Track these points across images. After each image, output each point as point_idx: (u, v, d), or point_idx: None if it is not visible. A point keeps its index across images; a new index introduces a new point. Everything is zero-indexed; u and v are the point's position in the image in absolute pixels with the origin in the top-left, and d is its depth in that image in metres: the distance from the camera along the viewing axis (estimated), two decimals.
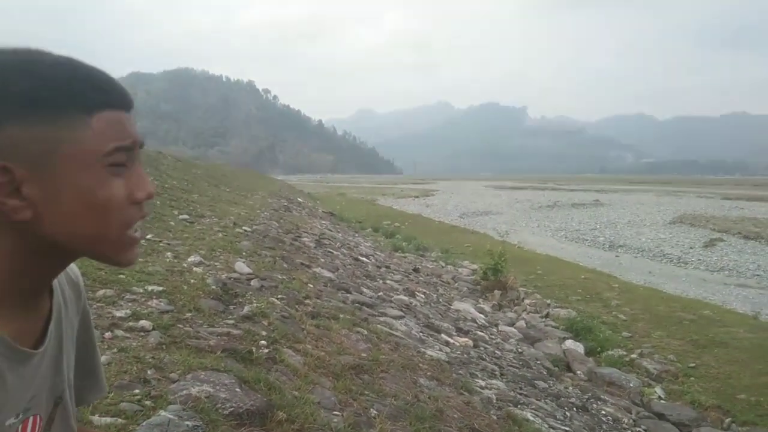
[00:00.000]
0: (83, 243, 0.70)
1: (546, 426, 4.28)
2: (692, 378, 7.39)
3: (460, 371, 4.93)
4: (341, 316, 4.90)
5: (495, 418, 3.91)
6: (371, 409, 3.10)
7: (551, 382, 6.23)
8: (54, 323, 0.77)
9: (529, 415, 4.33)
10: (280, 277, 5.64)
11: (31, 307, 0.73)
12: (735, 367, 7.66)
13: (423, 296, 8.99)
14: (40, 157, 0.64)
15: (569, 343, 8.42)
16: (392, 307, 6.70)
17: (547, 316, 10.33)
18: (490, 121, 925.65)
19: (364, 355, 4.01)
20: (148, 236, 5.80)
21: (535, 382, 5.93)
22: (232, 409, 2.40)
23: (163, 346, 2.89)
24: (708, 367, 7.73)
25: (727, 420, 6.22)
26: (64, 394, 0.79)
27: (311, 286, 5.90)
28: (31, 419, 0.73)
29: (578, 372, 7.40)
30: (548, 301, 11.22)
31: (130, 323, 3.06)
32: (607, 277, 14.83)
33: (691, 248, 22.98)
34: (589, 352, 8.30)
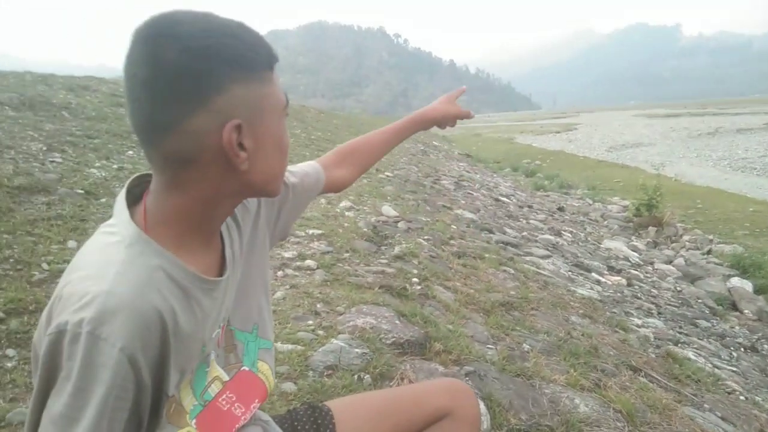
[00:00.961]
0: (269, 181, 0.82)
1: (710, 365, 4.07)
2: None
3: (614, 310, 4.81)
4: (486, 255, 4.96)
5: (653, 356, 3.80)
6: (524, 344, 3.17)
7: (714, 322, 5.85)
8: (228, 250, 0.90)
9: (690, 354, 4.14)
10: (424, 219, 5.80)
11: (211, 242, 0.86)
12: None
13: (570, 235, 8.74)
14: (254, 111, 0.75)
15: (735, 281, 7.76)
16: (538, 247, 6.62)
17: (709, 252, 9.55)
18: (637, 43, 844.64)
19: (512, 292, 4.06)
20: None
21: (697, 321, 5.61)
22: (393, 339, 2.60)
23: (328, 283, 3.17)
24: None
25: None
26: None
27: (454, 227, 6.00)
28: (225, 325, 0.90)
29: (746, 311, 6.83)
30: (710, 237, 10.34)
31: (298, 263, 3.38)
32: None
33: None
34: (759, 291, 7.59)
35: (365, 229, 4.48)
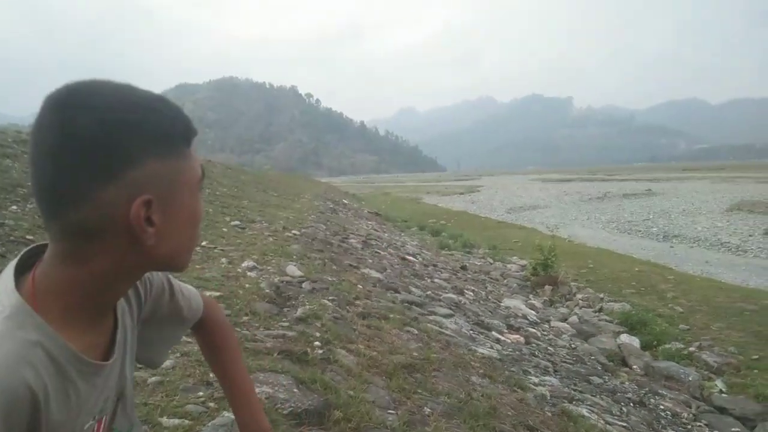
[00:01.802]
0: (176, 256, 0.78)
1: (602, 422, 4.23)
2: (756, 370, 7.12)
3: (512, 368, 4.92)
4: (391, 315, 4.96)
5: (549, 414, 3.90)
6: (425, 408, 3.15)
7: (606, 378, 6.13)
8: (120, 333, 0.84)
9: (584, 411, 4.29)
10: (330, 279, 5.75)
11: (101, 321, 0.80)
12: None
13: (472, 294, 8.97)
14: (167, 186, 0.73)
15: (624, 338, 8.25)
16: (441, 306, 6.73)
17: (600, 310, 10.13)
18: (534, 113, 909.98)
19: (415, 354, 4.06)
20: (203, 243, 6.01)
21: (590, 377, 5.85)
22: (291, 408, 2.49)
23: None
24: None
25: None
26: (125, 390, 0.88)
27: (360, 286, 5.99)
28: (104, 419, 0.82)
29: (634, 366, 7.25)
30: (601, 295, 11.00)
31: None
32: (661, 269, 14.40)
33: (750, 236, 22.02)
34: (645, 346, 8.11)
35: (267, 290, 4.36)
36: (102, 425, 0.81)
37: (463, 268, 12.50)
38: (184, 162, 0.75)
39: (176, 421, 2.21)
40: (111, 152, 0.67)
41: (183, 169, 0.75)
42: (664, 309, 10.05)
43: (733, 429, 5.52)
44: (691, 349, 7.97)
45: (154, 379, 2.54)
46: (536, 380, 4.84)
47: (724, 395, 6.44)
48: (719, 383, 6.75)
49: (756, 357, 7.52)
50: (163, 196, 0.72)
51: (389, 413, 2.92)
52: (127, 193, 0.68)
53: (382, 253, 10.15)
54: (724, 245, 20.38)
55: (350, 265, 7.28)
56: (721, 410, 6.01)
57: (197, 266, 4.86)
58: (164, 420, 2.19)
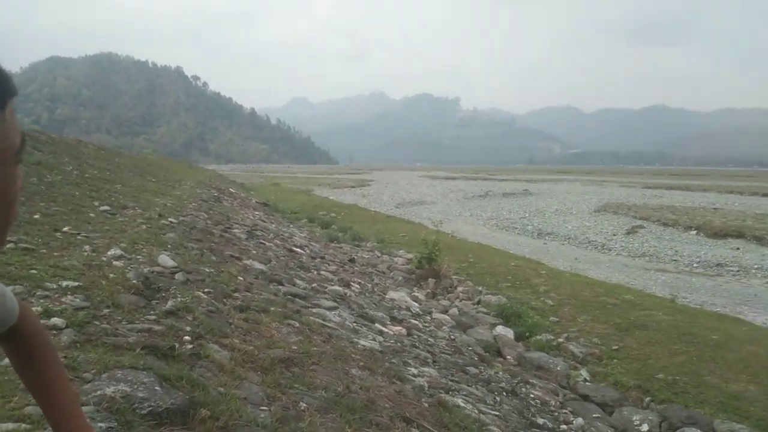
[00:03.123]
0: None
1: (476, 411, 4.35)
2: (615, 360, 7.73)
3: (393, 360, 4.94)
4: (272, 308, 4.79)
5: (426, 405, 3.94)
6: (301, 403, 3.04)
7: (482, 368, 6.36)
8: None
9: (459, 401, 4.39)
10: (207, 270, 5.45)
11: None
12: (654, 348, 8.09)
13: (358, 286, 8.97)
14: None
15: (500, 329, 8.64)
16: (326, 299, 6.64)
17: (478, 303, 10.55)
18: (424, 111, 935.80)
19: (294, 347, 3.93)
20: (65, 228, 5.46)
21: (467, 368, 6.03)
22: (150, 408, 2.28)
23: (77, 345, 2.71)
24: (630, 349, 8.12)
25: (647, 399, 6.56)
26: None
27: (241, 278, 5.74)
28: None
29: (508, 357, 7.61)
30: (480, 288, 11.46)
31: (42, 321, 2.85)
32: (535, 264, 15.30)
33: (614, 235, 24.10)
34: (518, 338, 8.54)
35: (134, 281, 4.02)
36: None
37: (352, 260, 12.51)
38: None
39: (11, 425, 1.93)
40: None
41: None
42: (536, 302, 10.66)
43: (594, 415, 5.95)
44: (560, 340, 8.51)
45: None
46: (415, 371, 4.90)
47: (587, 383, 6.93)
48: (583, 372, 7.26)
49: (616, 347, 8.18)
50: None
51: (262, 410, 2.78)
52: None
53: (267, 244, 9.87)
54: (591, 243, 22.12)
55: (231, 256, 6.98)
56: (585, 398, 6.46)
57: (55, 253, 4.39)
58: None
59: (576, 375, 7.14)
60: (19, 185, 0.69)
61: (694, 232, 24.32)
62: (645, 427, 5.78)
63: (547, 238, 23.79)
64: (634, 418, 5.92)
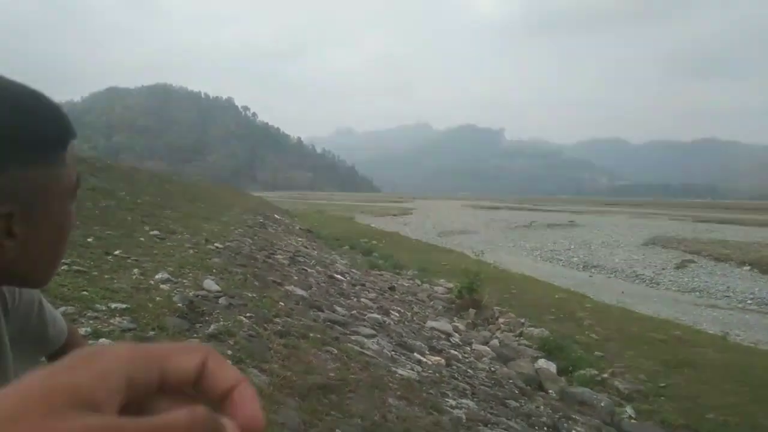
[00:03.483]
0: (37, 270, 0.70)
1: None
2: (662, 398, 7.44)
3: (430, 390, 4.89)
4: (311, 334, 4.84)
5: None
6: (337, 430, 3.05)
7: (523, 401, 6.22)
8: None
9: None
10: (250, 295, 5.56)
11: None
12: (704, 386, 7.75)
13: (397, 314, 8.94)
14: (33, 196, 0.63)
15: (542, 362, 8.43)
16: (365, 326, 6.65)
17: (520, 335, 10.34)
18: (468, 142, 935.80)
19: (332, 374, 3.96)
20: (116, 252, 5.69)
21: (507, 401, 5.91)
22: None
23: None
24: (678, 387, 7.80)
25: None
26: None
27: (282, 304, 5.83)
28: None
29: (550, 391, 7.41)
30: (522, 320, 11.25)
31: (90, 341, 2.97)
32: (580, 297, 14.94)
33: (663, 269, 23.33)
34: (561, 372, 8.32)
35: (180, 305, 4.15)
36: None
37: (392, 288, 12.50)
38: (56, 169, 0.66)
39: None
40: None
41: (54, 176, 0.66)
42: (581, 336, 10.39)
43: None
44: (605, 375, 8.24)
45: None
46: (453, 403, 4.83)
47: (632, 421, 6.67)
48: (629, 409, 7.00)
49: (663, 385, 7.87)
50: (28, 207, 0.63)
51: None
52: None
53: (309, 270, 9.98)
54: (639, 277, 21.47)
55: (274, 282, 7.10)
56: None
57: (106, 276, 4.58)
58: None
59: (621, 412, 6.89)
60: (72, 221, 0.75)
61: (748, 267, 23.31)
62: None
63: (592, 270, 23.23)
64: None
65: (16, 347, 0.86)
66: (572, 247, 31.34)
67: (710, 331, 11.93)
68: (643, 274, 21.90)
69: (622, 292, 17.69)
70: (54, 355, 1.02)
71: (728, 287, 19.11)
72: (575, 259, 26.35)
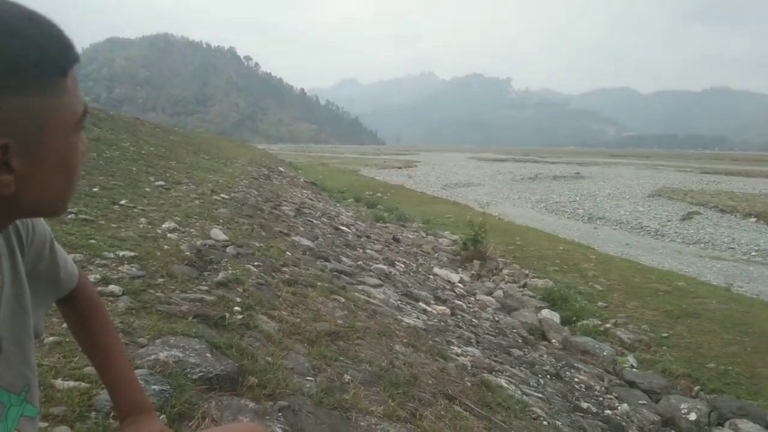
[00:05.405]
0: (46, 204, 0.67)
1: (519, 392, 4.34)
2: (664, 347, 7.54)
3: (436, 338, 4.96)
4: (318, 284, 4.87)
5: (469, 384, 3.95)
6: (345, 375, 3.10)
7: (526, 350, 6.32)
8: None
9: (503, 382, 4.38)
10: (257, 244, 5.58)
11: None
12: (706, 336, 7.84)
13: (402, 266, 9.00)
14: (31, 127, 0.60)
15: (545, 313, 8.53)
16: (371, 276, 6.70)
17: (524, 286, 10.43)
18: (474, 92, 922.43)
19: (340, 322, 4.00)
20: (122, 201, 5.69)
21: (511, 349, 6.00)
22: (201, 374, 2.37)
23: (133, 311, 2.84)
24: (680, 337, 7.89)
25: (696, 388, 6.38)
26: (2, 343, 0.75)
27: (289, 254, 5.85)
28: None
29: (553, 341, 7.52)
30: (526, 272, 11.33)
31: (99, 288, 2.99)
32: (584, 249, 15.00)
33: (668, 221, 23.32)
34: (564, 322, 8.43)
35: (188, 253, 4.16)
36: None
37: (396, 240, 12.55)
38: (57, 98, 0.62)
39: (72, 383, 2.05)
40: None
41: (54, 106, 0.62)
42: (584, 287, 10.46)
43: (640, 401, 5.84)
44: (608, 325, 8.34)
45: (51, 339, 2.35)
46: (459, 350, 4.90)
47: (634, 370, 6.79)
48: (630, 359, 7.11)
49: (665, 335, 7.96)
50: (26, 138, 0.59)
51: (308, 380, 2.85)
52: None
53: (315, 222, 10.00)
54: (644, 229, 21.48)
55: (280, 232, 7.12)
56: (631, 384, 6.34)
57: (113, 225, 4.58)
58: (58, 382, 2.02)
59: (623, 361, 7.01)
60: (82, 151, 0.72)
61: (754, 219, 23.27)
62: (693, 416, 5.63)
63: (597, 222, 23.23)
64: (681, 407, 5.77)
65: (30, 285, 0.85)
66: (577, 199, 31.27)
67: (714, 283, 12.00)
68: (648, 226, 21.91)
69: (627, 244, 17.74)
70: (64, 300, 1.02)
71: (733, 239, 19.12)
72: (580, 211, 26.32)
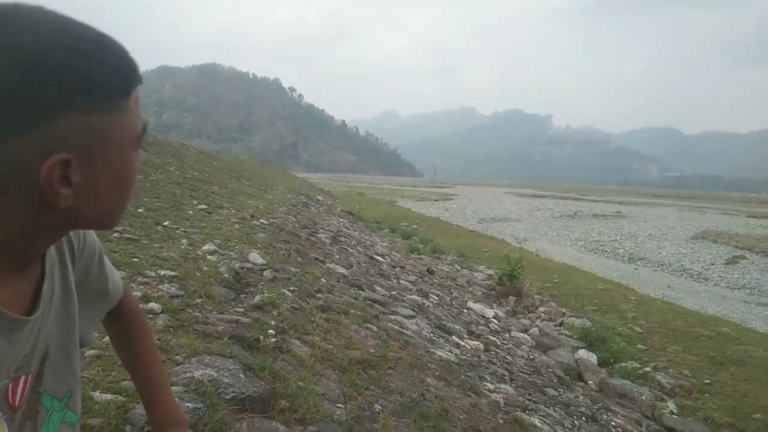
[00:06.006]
0: (101, 217, 0.70)
1: None
2: (707, 394, 7.24)
3: (468, 373, 4.88)
4: (352, 311, 4.88)
5: (501, 421, 3.86)
6: (376, 404, 3.07)
7: (561, 391, 6.14)
8: (47, 285, 0.75)
9: (536, 421, 4.27)
10: (293, 270, 5.64)
11: (24, 273, 0.71)
12: (752, 385, 7.49)
13: (436, 298, 8.94)
14: (93, 144, 0.62)
15: (582, 353, 8.31)
16: (404, 307, 6.67)
17: (561, 324, 10.20)
18: (513, 128, 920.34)
19: (372, 350, 3.98)
20: (165, 223, 5.85)
21: (545, 389, 5.85)
22: (234, 394, 2.39)
23: (171, 330, 2.90)
24: (723, 384, 7.57)
25: None
26: (49, 348, 0.78)
27: (324, 280, 5.89)
28: (22, 378, 0.72)
29: (590, 382, 7.30)
30: (563, 310, 11.09)
31: (140, 305, 3.07)
32: (624, 289, 14.61)
33: (712, 264, 22.56)
34: (602, 363, 8.18)
35: (226, 275, 4.23)
36: (21, 386, 0.71)
37: (430, 272, 12.49)
38: (119, 117, 0.65)
39: (109, 396, 2.09)
40: (22, 100, 0.56)
41: (116, 125, 0.64)
42: (623, 328, 10.17)
43: None
44: (647, 369, 8.07)
45: (92, 352, 2.41)
46: (491, 387, 4.81)
47: (674, 416, 6.52)
48: (671, 404, 6.84)
49: (708, 381, 7.65)
50: (87, 155, 0.62)
51: (338, 407, 2.84)
52: (39, 150, 0.58)
53: (350, 250, 10.06)
54: (686, 271, 20.82)
55: (316, 259, 7.18)
56: (671, 430, 6.09)
57: (156, 245, 4.71)
58: (96, 394, 2.07)
59: (662, 406, 6.74)
60: (138, 168, 0.75)
61: None
62: None
63: (638, 263, 22.63)
64: None
65: (80, 296, 0.88)
66: (618, 238, 30.59)
67: (760, 330, 11.51)
68: (690, 269, 21.23)
69: (669, 286, 17.20)
70: (109, 311, 1.05)
71: None
72: (621, 250, 25.72)
